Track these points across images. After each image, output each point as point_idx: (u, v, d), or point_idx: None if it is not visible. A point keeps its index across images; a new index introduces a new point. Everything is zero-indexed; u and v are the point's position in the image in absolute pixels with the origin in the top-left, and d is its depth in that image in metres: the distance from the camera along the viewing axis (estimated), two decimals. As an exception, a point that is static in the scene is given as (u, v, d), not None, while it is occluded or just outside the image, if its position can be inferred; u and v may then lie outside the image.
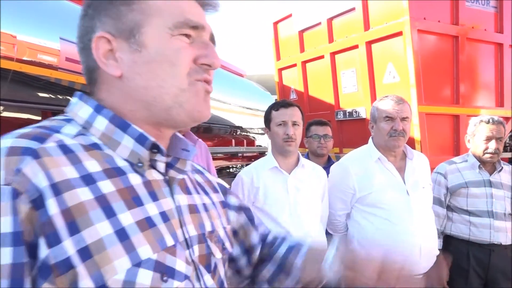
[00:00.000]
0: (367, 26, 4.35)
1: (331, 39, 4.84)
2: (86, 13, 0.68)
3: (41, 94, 3.66)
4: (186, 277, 0.64)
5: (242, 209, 0.92)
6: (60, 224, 0.52)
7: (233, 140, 7.64)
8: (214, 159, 7.46)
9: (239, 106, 6.94)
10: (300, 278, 0.84)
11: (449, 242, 2.58)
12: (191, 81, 0.66)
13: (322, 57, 4.98)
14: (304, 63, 5.34)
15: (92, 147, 0.62)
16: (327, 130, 3.07)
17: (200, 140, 1.87)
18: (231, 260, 0.89)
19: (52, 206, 0.52)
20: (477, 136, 2.53)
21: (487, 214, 2.47)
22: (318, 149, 3.03)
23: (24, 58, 3.33)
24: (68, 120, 0.66)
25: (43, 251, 0.51)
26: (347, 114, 4.75)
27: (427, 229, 2.02)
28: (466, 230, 2.51)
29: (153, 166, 0.67)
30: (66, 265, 0.52)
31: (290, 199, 1.98)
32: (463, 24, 4.22)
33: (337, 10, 4.71)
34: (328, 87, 4.96)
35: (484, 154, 2.51)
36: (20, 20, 3.30)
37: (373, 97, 4.28)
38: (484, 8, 4.43)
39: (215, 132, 6.75)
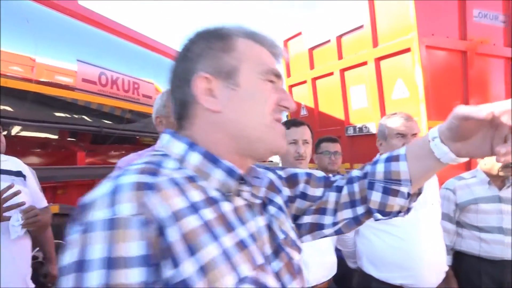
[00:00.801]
0: (375, 43, 4.41)
1: (340, 56, 4.91)
2: (185, 56, 0.77)
3: (58, 114, 3.78)
4: None
5: (290, 180, 0.97)
6: (180, 248, 0.60)
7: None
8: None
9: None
10: (412, 178, 0.85)
11: (460, 259, 2.57)
12: (272, 119, 0.76)
13: (331, 73, 5.05)
14: (314, 79, 5.41)
15: (191, 180, 0.70)
16: (337, 147, 3.11)
17: None
18: (319, 227, 0.94)
19: (173, 233, 0.60)
20: None
21: (498, 230, 2.46)
22: (329, 166, 3.06)
23: (42, 80, 3.46)
24: (164, 155, 0.73)
25: (167, 272, 0.59)
26: (357, 129, 4.78)
27: (436, 245, 2.03)
28: (476, 246, 2.50)
29: (238, 194, 0.74)
30: (187, 282, 0.59)
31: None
32: (472, 39, 4.25)
33: (346, 27, 4.79)
34: (338, 103, 5.01)
35: (502, 169, 2.51)
36: (39, 43, 3.44)
37: (383, 113, 4.32)
38: (492, 23, 4.46)
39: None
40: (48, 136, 4.04)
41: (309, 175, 0.97)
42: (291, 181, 0.95)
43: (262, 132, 0.75)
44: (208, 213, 0.67)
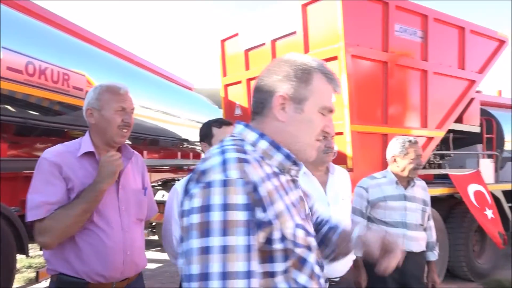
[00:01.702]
0: (307, 49, 4.65)
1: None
2: (275, 73, 1.08)
3: (-21, 103, 3.58)
4: (314, 236, 1.10)
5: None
6: (265, 201, 0.93)
7: (179, 153, 7.67)
8: (159, 171, 7.37)
9: (187, 119, 7.03)
10: (335, 248, 1.29)
11: (369, 250, 2.83)
12: (315, 140, 1.09)
13: (265, 75, 5.22)
14: (249, 80, 5.56)
15: (262, 158, 1.03)
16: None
17: (136, 153, 1.99)
18: None
19: (262, 191, 0.93)
20: (408, 155, 2.80)
21: (401, 224, 2.75)
22: None
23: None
24: (242, 140, 1.05)
25: (259, 214, 0.92)
26: (288, 130, 4.99)
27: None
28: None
29: (288, 172, 1.09)
30: (270, 222, 0.93)
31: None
32: (393, 52, 4.62)
33: (280, 32, 4.99)
34: (270, 104, 5.19)
35: (411, 171, 2.80)
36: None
37: (311, 116, 4.56)
38: (411, 38, 4.88)
39: (161, 145, 6.77)
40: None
41: None
42: None
43: (305, 147, 1.09)
44: (275, 181, 1.01)
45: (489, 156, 6.14)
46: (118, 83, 1.85)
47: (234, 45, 5.75)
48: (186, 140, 7.18)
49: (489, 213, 5.19)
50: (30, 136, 4.42)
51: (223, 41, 5.95)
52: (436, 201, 4.98)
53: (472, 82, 5.50)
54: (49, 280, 1.81)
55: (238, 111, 5.87)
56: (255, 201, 0.91)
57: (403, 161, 2.80)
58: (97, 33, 5.50)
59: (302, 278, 0.99)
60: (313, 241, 1.07)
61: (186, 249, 0.90)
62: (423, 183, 3.00)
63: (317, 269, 1.04)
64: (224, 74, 6.02)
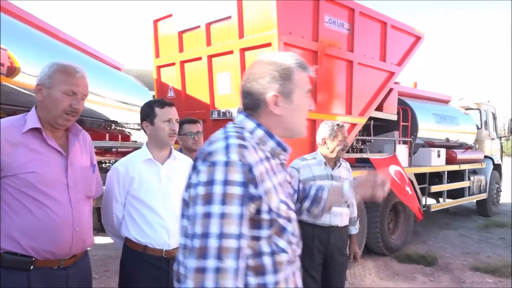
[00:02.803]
0: (241, 34, 4.73)
1: (209, 43, 5.13)
2: (261, 78, 1.27)
3: None
4: (293, 210, 1.32)
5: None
6: (258, 180, 1.14)
7: (107, 135, 7.41)
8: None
9: (115, 100, 6.79)
10: (326, 204, 1.60)
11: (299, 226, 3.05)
12: (305, 119, 1.35)
13: (200, 58, 5.23)
14: (182, 62, 5.53)
15: (257, 145, 1.25)
16: (198, 127, 3.29)
17: (84, 131, 1.97)
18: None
19: (256, 171, 1.14)
20: (337, 138, 3.05)
21: (328, 201, 3.00)
22: (193, 145, 3.22)
23: None
24: (242, 128, 1.27)
25: (251, 190, 1.13)
26: (221, 114, 5.08)
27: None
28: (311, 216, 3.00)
29: (277, 156, 1.32)
30: (260, 196, 1.15)
31: (162, 187, 2.19)
32: (322, 42, 4.86)
33: (215, 16, 5.01)
34: (204, 87, 5.24)
35: (340, 152, 3.04)
36: None
37: (245, 100, 4.68)
38: (339, 30, 5.16)
39: (87, 126, 6.48)
40: None
41: None
42: None
43: (300, 128, 1.34)
44: (266, 164, 1.23)
45: (404, 142, 6.72)
46: (77, 65, 1.80)
47: (168, 26, 5.66)
48: (115, 122, 6.95)
49: (409, 189, 5.73)
50: None
51: (156, 21, 5.82)
52: (357, 183, 5.37)
53: (392, 74, 5.94)
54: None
55: (171, 93, 5.82)
56: (250, 179, 1.12)
57: (332, 143, 3.05)
58: (21, 6, 5.11)
59: (281, 243, 1.22)
60: (293, 214, 1.30)
61: (191, 214, 1.13)
62: (347, 164, 3.26)
63: (292, 238, 1.27)
64: (157, 56, 5.92)
